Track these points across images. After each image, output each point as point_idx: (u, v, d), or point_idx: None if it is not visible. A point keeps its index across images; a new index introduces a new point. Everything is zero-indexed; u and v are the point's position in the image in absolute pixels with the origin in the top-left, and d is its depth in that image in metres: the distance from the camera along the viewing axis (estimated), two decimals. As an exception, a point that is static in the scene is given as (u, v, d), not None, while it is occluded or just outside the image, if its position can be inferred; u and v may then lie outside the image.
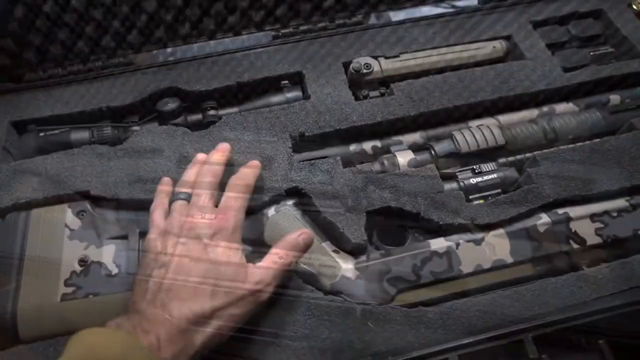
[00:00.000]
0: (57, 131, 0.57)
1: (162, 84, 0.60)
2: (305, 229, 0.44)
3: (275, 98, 0.60)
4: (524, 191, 0.51)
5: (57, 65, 0.60)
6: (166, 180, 0.48)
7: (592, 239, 0.49)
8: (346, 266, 0.48)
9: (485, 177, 0.53)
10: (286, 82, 0.61)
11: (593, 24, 0.66)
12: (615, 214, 0.50)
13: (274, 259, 0.41)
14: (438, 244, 0.49)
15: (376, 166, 0.55)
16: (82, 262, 0.48)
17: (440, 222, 0.49)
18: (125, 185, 0.52)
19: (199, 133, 0.55)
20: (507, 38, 0.64)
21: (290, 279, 0.46)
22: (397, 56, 0.61)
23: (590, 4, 0.68)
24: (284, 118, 0.56)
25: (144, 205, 0.51)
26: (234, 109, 0.59)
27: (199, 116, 0.59)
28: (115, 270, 0.48)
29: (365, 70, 0.59)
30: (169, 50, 0.62)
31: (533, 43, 0.63)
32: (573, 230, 0.49)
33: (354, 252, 0.49)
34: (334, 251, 0.49)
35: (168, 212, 0.45)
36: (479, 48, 0.62)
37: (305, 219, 0.51)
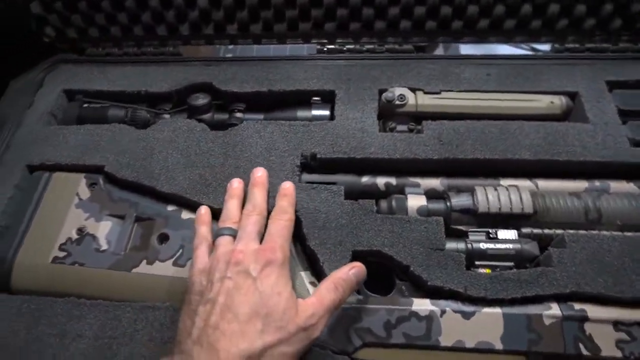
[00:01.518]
0: (98, 105, 0.62)
1: (199, 79, 0.61)
2: (356, 262, 0.42)
3: (302, 113, 0.58)
4: (538, 272, 0.44)
5: (115, 44, 0.64)
6: (205, 210, 0.47)
7: (610, 350, 0.41)
8: (317, 303, 0.45)
9: (499, 245, 0.47)
10: (318, 98, 0.60)
11: (689, 97, 0.56)
12: (649, 328, 0.42)
13: (325, 293, 0.39)
14: (421, 305, 0.44)
15: (383, 205, 0.51)
16: (80, 231, 0.51)
17: (428, 282, 0.44)
18: (136, 167, 0.54)
19: (216, 133, 0.56)
20: (573, 95, 0.57)
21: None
22: (438, 93, 0.56)
23: (692, 72, 0.57)
24: (301, 135, 0.55)
25: (147, 191, 0.53)
26: (260, 116, 0.59)
27: (225, 116, 0.60)
28: (104, 246, 0.50)
29: (398, 102, 0.55)
30: (216, 47, 0.63)
31: (602, 106, 0.55)
32: (587, 333, 0.42)
33: (330, 290, 0.46)
34: (311, 283, 0.47)
35: (212, 248, 0.43)
36: (533, 100, 0.55)
37: (293, 242, 0.49)
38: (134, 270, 0.48)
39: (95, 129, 0.58)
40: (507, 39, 0.62)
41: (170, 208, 0.52)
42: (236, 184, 0.48)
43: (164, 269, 0.47)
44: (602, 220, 0.48)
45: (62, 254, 0.50)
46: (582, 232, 0.47)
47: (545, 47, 0.64)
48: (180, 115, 0.60)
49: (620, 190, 0.51)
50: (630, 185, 0.51)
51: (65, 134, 0.58)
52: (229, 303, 0.37)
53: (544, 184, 0.52)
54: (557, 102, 0.55)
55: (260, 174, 0.47)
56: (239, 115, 0.59)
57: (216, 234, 0.43)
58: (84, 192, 0.54)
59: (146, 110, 0.61)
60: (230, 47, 0.64)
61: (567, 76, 0.58)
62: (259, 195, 0.45)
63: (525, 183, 0.52)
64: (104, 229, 0.51)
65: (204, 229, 0.45)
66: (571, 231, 0.47)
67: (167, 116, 0.61)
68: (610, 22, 0.60)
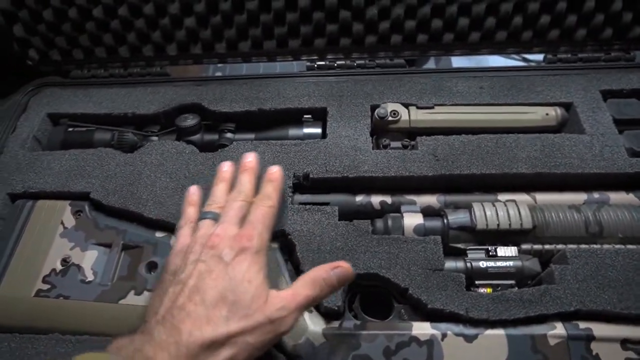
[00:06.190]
0: (84, 129, 0.60)
1: (187, 99, 0.60)
2: (341, 261, 0.39)
3: (293, 131, 0.57)
4: (541, 291, 0.43)
5: (100, 66, 0.63)
6: (194, 190, 0.45)
7: (618, 370, 0.40)
8: (314, 329, 0.43)
9: (499, 263, 0.45)
10: (309, 116, 0.58)
11: (685, 105, 0.55)
12: (658, 347, 0.40)
13: (300, 289, 0.37)
14: (421, 329, 0.42)
15: (378, 224, 0.50)
16: (65, 261, 0.49)
17: (428, 305, 0.42)
18: (123, 194, 0.52)
19: (205, 155, 0.54)
20: (567, 106, 0.56)
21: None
22: (431, 107, 0.55)
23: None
24: (293, 155, 0.53)
25: (134, 218, 0.51)
26: (250, 135, 0.58)
27: (215, 136, 0.58)
28: (90, 277, 0.48)
29: (391, 118, 0.54)
30: (204, 66, 0.62)
31: (598, 116, 0.54)
32: (594, 353, 0.40)
33: (326, 315, 0.44)
34: (307, 309, 0.45)
35: (195, 229, 0.42)
36: (528, 112, 0.54)
37: (287, 266, 0.47)
38: (121, 301, 0.46)
39: (81, 154, 0.56)
40: (499, 50, 0.61)
41: (158, 234, 0.50)
42: (226, 167, 0.46)
43: (153, 299, 0.45)
44: (603, 234, 0.47)
45: (46, 287, 0.48)
46: (583, 246, 0.46)
47: (537, 57, 0.63)
48: (168, 138, 0.58)
49: (620, 201, 0.50)
50: (630, 197, 0.50)
51: (50, 159, 0.56)
52: (199, 286, 0.36)
53: (542, 197, 0.51)
54: (552, 113, 0.54)
55: (250, 159, 0.45)
56: (229, 135, 0.58)
57: (200, 217, 0.42)
58: (69, 220, 0.52)
59: (133, 133, 0.59)
60: (220, 65, 0.63)
61: (561, 87, 0.57)
62: (246, 181, 0.44)
63: (523, 197, 0.51)
64: (89, 259, 0.49)
65: (190, 210, 0.44)
66: (572, 246, 0.46)
67: (154, 139, 0.59)
68: (601, 32, 0.60)
